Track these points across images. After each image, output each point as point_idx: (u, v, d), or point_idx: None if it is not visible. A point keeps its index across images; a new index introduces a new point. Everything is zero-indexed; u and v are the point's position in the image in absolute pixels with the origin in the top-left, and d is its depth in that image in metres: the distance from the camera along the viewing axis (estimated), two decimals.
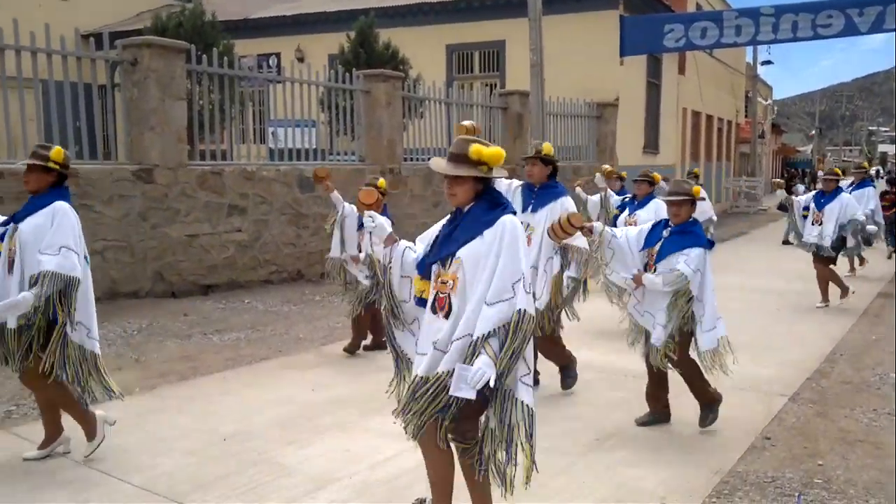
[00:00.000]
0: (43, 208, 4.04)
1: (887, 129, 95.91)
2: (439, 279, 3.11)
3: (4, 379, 5.57)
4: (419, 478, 4.04)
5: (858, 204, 9.63)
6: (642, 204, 7.85)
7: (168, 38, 10.55)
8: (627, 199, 8.24)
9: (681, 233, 4.70)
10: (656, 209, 7.41)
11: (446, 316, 3.06)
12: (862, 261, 11.75)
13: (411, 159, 12.65)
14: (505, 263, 2.96)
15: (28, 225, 4.01)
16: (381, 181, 6.29)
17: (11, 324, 3.94)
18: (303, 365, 6.39)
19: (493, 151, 3.02)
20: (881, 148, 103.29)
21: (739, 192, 27.79)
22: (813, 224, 9.18)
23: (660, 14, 13.31)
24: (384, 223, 3.31)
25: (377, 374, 5.99)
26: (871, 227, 9.64)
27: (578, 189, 11.27)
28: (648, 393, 5.01)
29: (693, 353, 4.84)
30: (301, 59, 18.47)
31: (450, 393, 2.91)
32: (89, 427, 4.28)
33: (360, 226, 6.03)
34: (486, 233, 3.01)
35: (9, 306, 3.85)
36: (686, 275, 4.56)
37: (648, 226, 4.99)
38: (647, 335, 4.87)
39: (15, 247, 4.01)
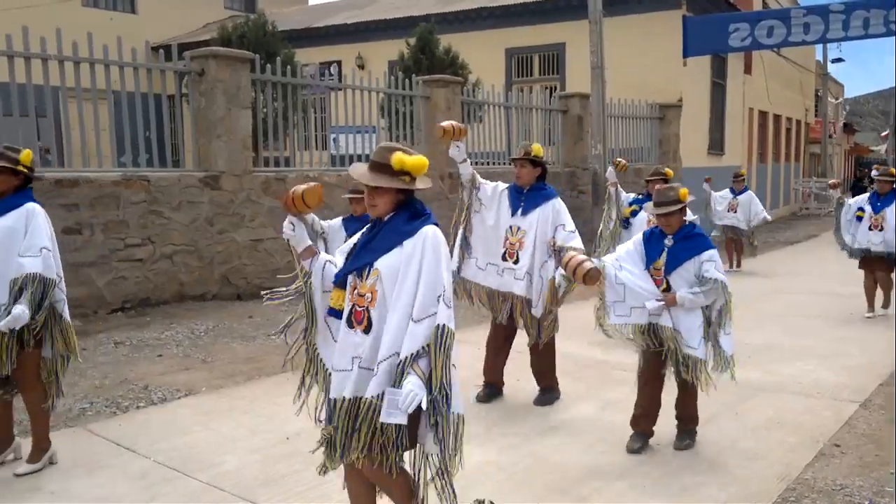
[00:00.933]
0: (12, 210, 3.96)
1: None
2: (356, 291, 2.94)
3: (78, 378, 5.81)
4: (477, 480, 4.07)
5: None
6: None
7: (233, 48, 10.87)
8: (643, 196, 7.69)
9: (686, 237, 4.42)
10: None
11: (365, 331, 2.90)
12: None
13: (471, 163, 12.66)
14: (428, 276, 2.79)
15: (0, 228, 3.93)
16: None
17: None
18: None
19: (416, 161, 2.85)
20: None
21: (809, 193, 26.97)
22: (871, 229, 8.49)
23: (724, 13, 13.04)
24: (303, 234, 3.03)
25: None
26: None
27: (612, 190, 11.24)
28: (645, 413, 4.58)
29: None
30: (362, 67, 18.72)
31: (381, 420, 2.76)
32: (40, 448, 4.19)
33: (351, 235, 5.94)
34: (406, 243, 2.85)
35: (10, 323, 3.81)
36: (723, 280, 4.32)
37: (634, 242, 4.59)
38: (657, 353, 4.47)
39: None
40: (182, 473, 4.17)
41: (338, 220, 6.05)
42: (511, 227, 5.20)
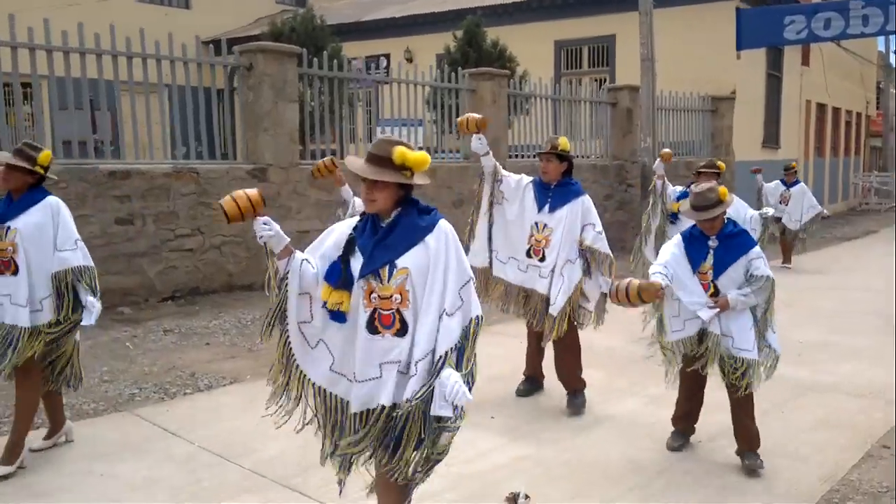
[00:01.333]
0: (33, 206, 3.97)
1: None
2: (374, 294, 2.75)
3: (129, 364, 5.98)
4: (512, 473, 4.07)
5: None
6: None
7: (282, 42, 11.00)
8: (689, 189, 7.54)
9: (731, 236, 4.19)
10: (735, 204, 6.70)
11: (398, 333, 2.74)
12: None
13: (516, 156, 12.64)
14: (455, 270, 2.72)
15: (27, 224, 3.93)
16: None
17: (24, 322, 3.90)
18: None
19: (418, 156, 2.72)
20: None
21: (869, 188, 26.15)
22: None
23: (779, 5, 12.69)
24: (280, 232, 2.80)
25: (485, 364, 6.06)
26: None
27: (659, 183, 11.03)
28: (688, 413, 4.50)
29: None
30: (410, 60, 18.77)
31: (432, 412, 2.65)
32: (16, 451, 4.06)
33: None
34: (429, 239, 2.73)
35: (96, 315, 3.99)
36: (772, 277, 4.11)
37: (677, 244, 4.29)
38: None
39: (14, 246, 3.91)
40: (225, 459, 4.27)
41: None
42: (537, 224, 5.01)
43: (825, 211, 11.85)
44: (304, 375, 2.94)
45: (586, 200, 5.00)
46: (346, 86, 10.37)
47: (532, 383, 5.47)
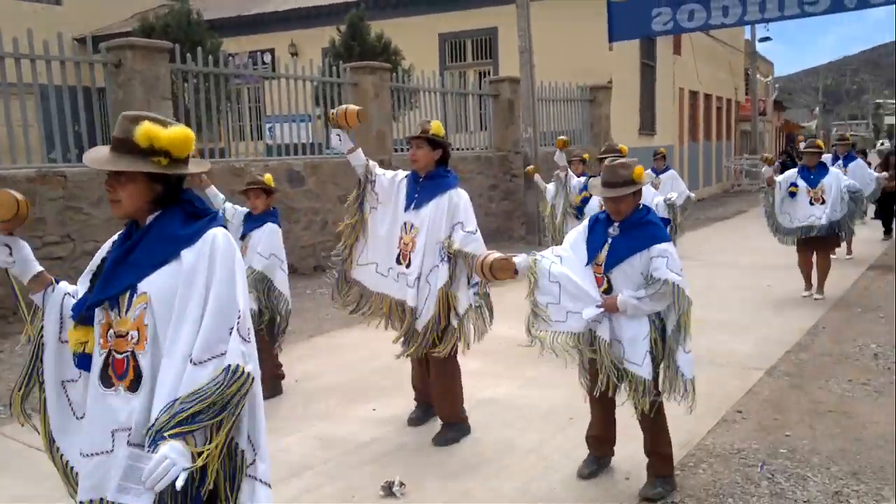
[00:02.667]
0: None
1: (893, 101, 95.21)
2: (111, 331, 2.05)
3: None
4: (391, 462, 4.16)
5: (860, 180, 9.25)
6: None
7: (155, 38, 10.67)
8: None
9: (635, 225, 3.58)
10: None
11: (131, 387, 2.01)
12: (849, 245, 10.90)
13: (405, 149, 12.74)
14: (217, 300, 1.98)
15: None
16: (268, 176, 5.32)
17: None
18: (290, 356, 6.48)
19: (174, 134, 2.01)
20: (887, 120, 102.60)
21: (741, 170, 27.71)
22: (812, 203, 8.06)
23: None
24: (28, 257, 2.20)
25: (364, 363, 6.13)
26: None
27: (537, 177, 11.28)
28: (598, 436, 3.96)
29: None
30: (295, 54, 18.55)
31: (109, 497, 1.98)
32: None
33: (244, 234, 5.24)
34: (185, 254, 2.02)
35: None
36: (677, 282, 3.46)
37: (581, 230, 3.79)
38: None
39: None
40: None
41: (243, 211, 5.40)
42: (405, 224, 4.35)
43: (693, 195, 12.34)
44: (64, 459, 2.24)
45: (455, 195, 4.29)
46: (229, 82, 10.17)
47: (425, 410, 4.76)
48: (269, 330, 5.27)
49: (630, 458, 4.10)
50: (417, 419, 4.74)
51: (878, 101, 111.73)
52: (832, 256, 8.95)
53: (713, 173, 26.06)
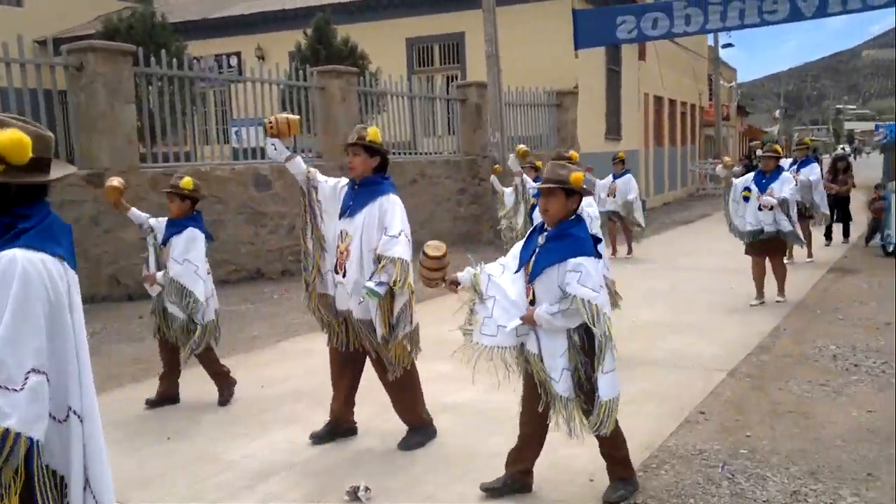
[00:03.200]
0: None
1: (853, 106, 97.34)
2: None
3: None
4: (356, 467, 4.15)
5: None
6: None
7: (119, 41, 10.54)
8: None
9: (558, 237, 3.49)
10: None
11: None
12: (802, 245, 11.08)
13: None
14: (6, 330, 1.75)
15: None
16: (187, 180, 5.18)
17: None
18: (256, 363, 6.45)
19: (8, 139, 1.81)
20: (847, 126, 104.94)
21: (705, 174, 28.12)
22: (761, 209, 8.06)
23: (611, 6, 13.49)
24: None
25: (329, 369, 6.09)
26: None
27: (493, 178, 11.41)
28: (519, 450, 3.81)
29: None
30: (262, 58, 18.44)
31: None
32: None
33: (165, 240, 5.18)
34: None
35: None
36: (589, 299, 3.35)
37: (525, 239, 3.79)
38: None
39: None
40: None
41: (164, 220, 5.28)
42: (341, 232, 4.30)
43: (645, 200, 12.36)
44: None
45: (386, 201, 4.20)
46: (194, 85, 10.08)
47: (330, 429, 4.56)
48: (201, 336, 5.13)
49: (594, 460, 4.14)
50: (320, 437, 4.51)
51: (838, 106, 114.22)
52: (794, 261, 9.12)
53: (678, 177, 26.41)
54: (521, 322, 3.54)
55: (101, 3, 21.66)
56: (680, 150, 26.77)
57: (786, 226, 8.03)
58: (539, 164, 8.09)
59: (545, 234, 3.56)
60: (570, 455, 4.23)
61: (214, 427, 4.87)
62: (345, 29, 15.35)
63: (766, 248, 8.21)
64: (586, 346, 3.49)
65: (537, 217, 6.32)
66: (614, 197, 11.94)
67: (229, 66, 17.10)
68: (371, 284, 4.03)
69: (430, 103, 14.34)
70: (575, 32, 12.62)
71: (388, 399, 4.68)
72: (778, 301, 8.24)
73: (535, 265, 3.51)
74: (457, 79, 16.52)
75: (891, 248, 11.50)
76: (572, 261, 3.40)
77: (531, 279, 3.53)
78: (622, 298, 6.32)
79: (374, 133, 4.27)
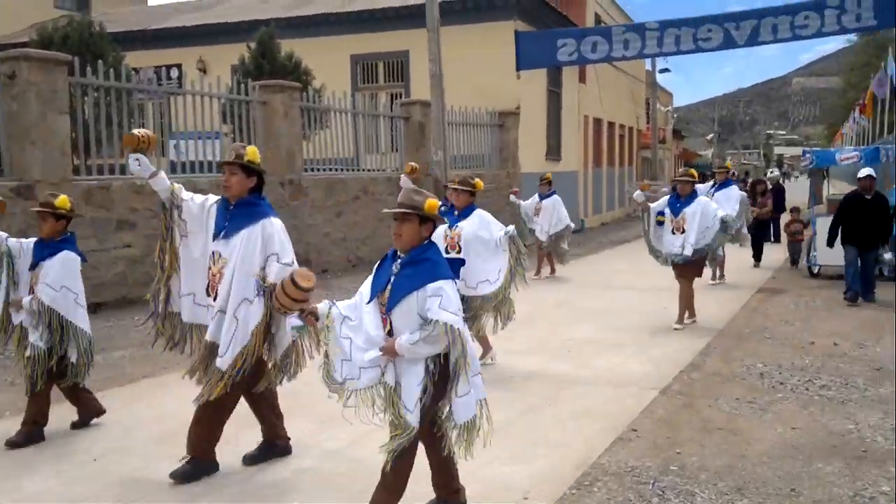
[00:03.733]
0: None
1: (783, 132, 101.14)
2: None
3: None
4: (292, 487, 4.11)
5: (726, 204, 9.50)
6: (465, 213, 6.36)
7: (54, 50, 10.28)
8: (445, 209, 6.28)
9: (413, 263, 3.41)
10: (480, 219, 6.31)
11: None
12: (721, 272, 11.42)
13: (315, 169, 12.66)
14: None
15: None
16: (63, 199, 4.84)
17: None
18: (189, 381, 6.31)
19: None
20: (777, 150, 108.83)
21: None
22: (674, 233, 8.11)
23: (553, 29, 13.78)
24: None
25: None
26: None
27: (513, 197, 11.53)
28: (437, 481, 3.71)
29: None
30: (204, 71, 18.20)
31: None
32: None
33: (34, 264, 4.81)
34: None
35: None
36: (451, 324, 3.27)
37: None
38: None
39: None
40: None
41: (30, 242, 4.91)
42: (214, 254, 4.13)
43: (572, 224, 12.35)
44: None
45: (269, 224, 4.07)
46: (131, 97, 9.89)
47: (268, 448, 4.48)
48: (59, 369, 4.82)
49: (530, 477, 4.20)
50: (253, 457, 4.40)
51: (768, 131, 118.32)
52: (711, 282, 9.41)
53: (616, 198, 26.97)
54: (381, 354, 3.40)
55: (36, 11, 21.11)
56: (618, 171, 27.36)
57: (701, 244, 8.06)
58: (479, 184, 8.15)
59: (399, 261, 3.47)
60: (506, 472, 4.28)
61: (145, 447, 4.76)
62: (289, 44, 15.29)
63: (682, 270, 8.26)
64: (440, 372, 3.39)
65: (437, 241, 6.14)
66: (538, 216, 11.97)
67: (169, 78, 16.84)
68: (297, 323, 3.76)
69: (373, 120, 14.36)
70: (517, 54, 12.84)
71: (325, 415, 4.67)
72: (675, 328, 8.11)
73: (392, 294, 3.41)
74: (401, 97, 16.59)
75: (816, 270, 11.96)
76: (432, 285, 3.33)
77: (389, 309, 3.41)
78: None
79: (252, 153, 4.13)
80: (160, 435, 4.97)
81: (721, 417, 5.27)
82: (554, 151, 20.23)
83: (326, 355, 3.51)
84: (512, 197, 12.47)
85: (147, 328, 4.60)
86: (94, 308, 8.69)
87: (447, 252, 6.15)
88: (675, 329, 8.14)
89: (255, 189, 4.19)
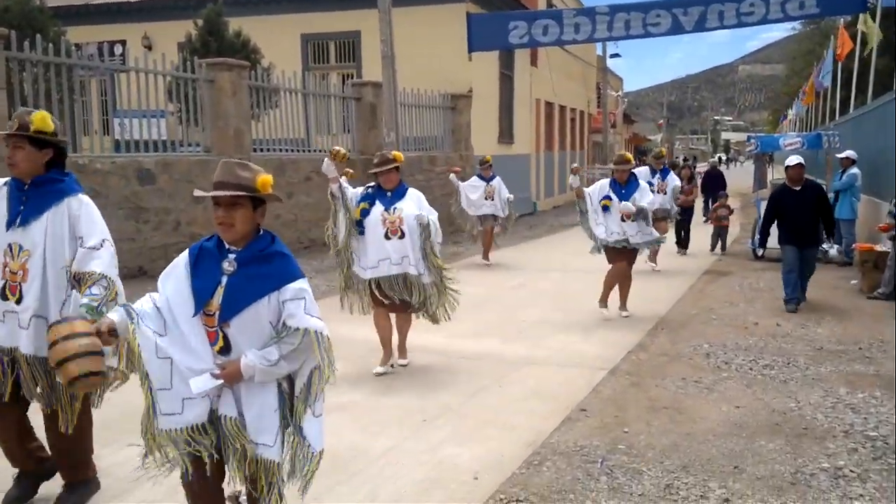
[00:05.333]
0: None
1: (730, 118, 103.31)
2: None
3: None
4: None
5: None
6: (399, 194, 5.78)
7: None
8: (370, 190, 5.82)
9: (257, 258, 2.70)
10: (418, 199, 5.82)
11: None
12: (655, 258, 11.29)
13: (265, 150, 12.45)
14: None
15: None
16: None
17: None
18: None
19: None
20: (724, 135, 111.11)
21: (592, 178, 29.06)
22: (623, 220, 7.73)
23: (504, 12, 13.77)
24: None
25: None
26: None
27: (452, 177, 11.42)
28: None
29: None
30: (149, 48, 17.73)
31: None
32: None
33: None
34: None
35: None
36: (319, 330, 2.63)
37: (179, 264, 2.85)
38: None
39: None
40: None
41: None
42: (10, 247, 3.36)
43: (511, 196, 11.87)
44: None
45: (76, 203, 3.36)
46: (73, 73, 9.57)
47: (32, 484, 3.68)
48: None
49: (480, 458, 4.21)
50: (18, 498, 3.62)
51: (715, 117, 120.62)
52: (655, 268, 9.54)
53: (567, 181, 27.19)
54: (218, 382, 2.66)
55: None
56: (569, 154, 27.56)
57: (646, 237, 7.91)
58: (399, 156, 7.35)
59: (231, 257, 2.70)
60: (455, 454, 4.29)
61: None
62: (238, 22, 14.98)
63: (621, 257, 7.91)
64: (291, 390, 2.77)
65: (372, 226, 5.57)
66: (492, 199, 11.69)
67: (112, 54, 16.32)
68: (87, 301, 3.14)
69: (324, 101, 14.16)
70: (469, 36, 12.80)
71: None
72: (623, 316, 7.94)
73: (229, 300, 2.64)
74: (352, 77, 16.40)
75: (760, 253, 12.25)
76: (292, 286, 2.65)
77: (224, 319, 2.65)
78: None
79: (41, 120, 3.32)
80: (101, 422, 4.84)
81: (667, 397, 5.36)
82: (506, 134, 20.27)
83: (143, 381, 2.66)
84: (452, 176, 11.97)
85: None
86: None
87: (388, 238, 5.67)
88: (624, 316, 7.95)
89: (54, 163, 3.41)
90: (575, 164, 8.27)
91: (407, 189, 5.89)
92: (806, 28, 37.84)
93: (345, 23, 17.37)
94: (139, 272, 9.85)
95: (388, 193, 5.76)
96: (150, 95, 10.30)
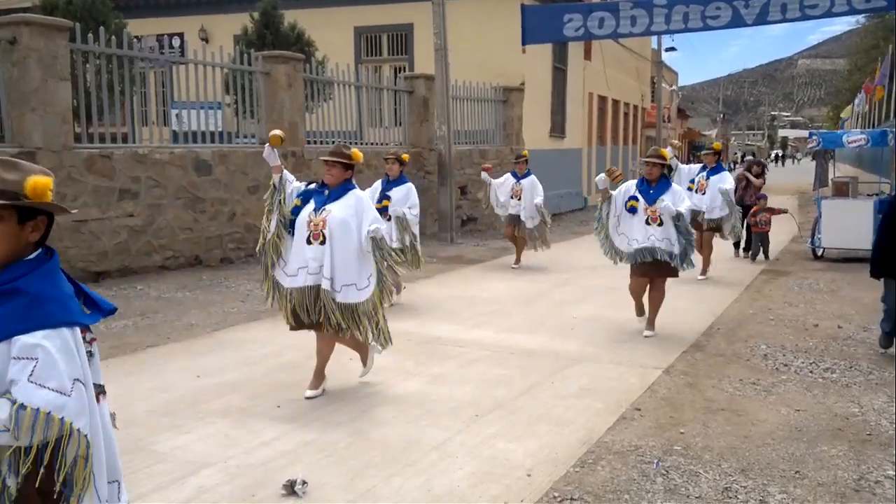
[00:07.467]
0: None
1: (788, 113, 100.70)
2: None
3: None
4: (294, 460, 4.10)
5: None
6: (338, 193, 4.96)
7: (57, 16, 10.14)
8: (313, 186, 5.13)
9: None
10: (357, 202, 4.96)
11: None
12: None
13: (318, 142, 12.57)
14: None
15: None
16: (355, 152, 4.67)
17: None
18: (192, 351, 6.30)
19: None
20: (781, 132, 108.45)
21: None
22: (649, 223, 6.71)
23: (559, 4, 13.58)
24: None
25: (269, 359, 6.01)
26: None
27: (484, 174, 11.23)
28: None
29: None
30: (206, 40, 18.02)
31: None
32: None
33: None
34: None
35: None
36: (50, 413, 1.83)
37: None
38: None
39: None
40: None
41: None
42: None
43: (541, 200, 10.59)
44: None
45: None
46: (135, 65, 9.78)
47: None
48: None
49: (533, 454, 4.18)
50: None
51: (773, 113, 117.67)
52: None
53: (593, 180, 26.84)
54: None
55: None
56: (622, 149, 27.22)
57: (675, 246, 6.77)
58: (406, 156, 7.24)
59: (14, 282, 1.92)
60: (508, 449, 4.26)
61: (147, 417, 4.74)
62: (292, 14, 15.10)
63: (650, 270, 6.89)
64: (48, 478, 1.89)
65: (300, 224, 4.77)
66: (519, 199, 10.58)
67: (171, 46, 16.67)
68: None
69: (377, 94, 14.22)
70: (523, 28, 12.65)
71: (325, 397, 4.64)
72: (646, 335, 6.93)
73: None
74: (405, 70, 16.43)
75: (820, 252, 11.92)
76: (24, 340, 1.85)
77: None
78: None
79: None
80: (162, 405, 4.95)
81: (724, 398, 5.25)
82: (558, 128, 20.09)
83: None
84: (483, 174, 10.90)
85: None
86: (95, 277, 8.69)
87: (309, 242, 4.87)
88: (646, 336, 6.92)
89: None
90: (611, 167, 7.11)
91: (351, 189, 5.02)
92: (869, 21, 36.63)
93: (398, 15, 17.39)
94: (195, 261, 10.05)
95: (327, 192, 4.99)
96: (208, 87, 10.46)
